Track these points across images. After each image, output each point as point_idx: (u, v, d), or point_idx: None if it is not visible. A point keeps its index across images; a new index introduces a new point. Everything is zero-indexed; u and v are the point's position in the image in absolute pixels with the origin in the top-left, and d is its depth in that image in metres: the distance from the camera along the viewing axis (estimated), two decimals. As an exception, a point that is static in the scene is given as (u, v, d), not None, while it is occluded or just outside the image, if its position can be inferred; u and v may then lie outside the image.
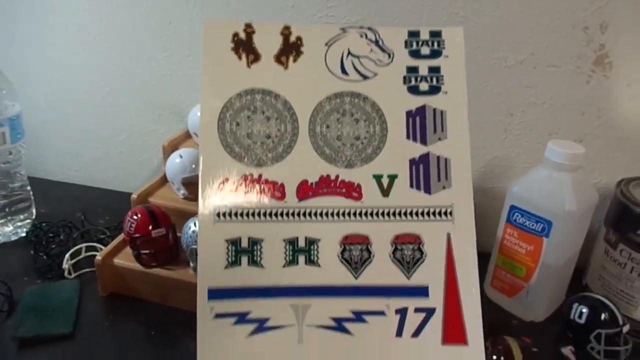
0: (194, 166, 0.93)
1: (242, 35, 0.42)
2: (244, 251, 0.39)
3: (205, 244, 0.39)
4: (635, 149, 0.93)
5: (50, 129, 1.22)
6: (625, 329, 0.78)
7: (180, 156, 0.93)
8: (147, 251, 0.84)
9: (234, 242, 0.40)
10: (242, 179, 0.41)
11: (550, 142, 0.79)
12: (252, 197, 0.41)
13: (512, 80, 0.94)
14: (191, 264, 0.83)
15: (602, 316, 0.79)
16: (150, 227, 0.83)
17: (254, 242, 0.40)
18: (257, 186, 0.40)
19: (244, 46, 0.42)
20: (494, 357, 0.70)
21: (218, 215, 0.40)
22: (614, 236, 0.84)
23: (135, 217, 0.84)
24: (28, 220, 1.02)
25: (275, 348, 0.38)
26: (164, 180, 0.99)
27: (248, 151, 0.40)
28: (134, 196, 0.92)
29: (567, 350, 0.79)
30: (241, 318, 0.39)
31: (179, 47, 1.07)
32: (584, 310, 0.80)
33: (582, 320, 0.80)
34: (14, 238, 1.00)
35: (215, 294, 0.40)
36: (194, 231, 0.82)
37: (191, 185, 0.94)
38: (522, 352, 0.70)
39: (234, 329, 0.38)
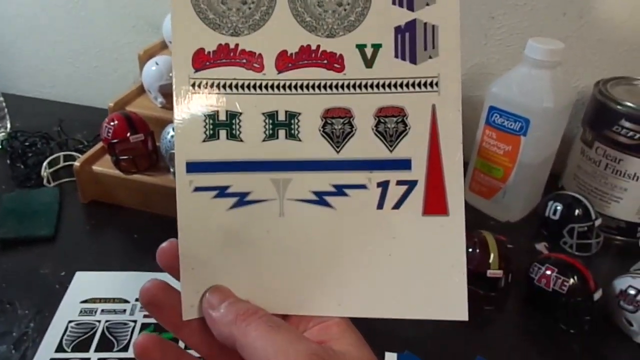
0: (170, 74, 0.90)
1: None
2: (221, 124, 0.38)
3: (180, 115, 0.38)
4: (614, 51, 0.93)
5: (21, 44, 1.18)
6: (597, 223, 0.81)
7: (157, 63, 0.91)
8: (125, 157, 0.83)
9: (211, 116, 0.39)
10: (217, 48, 0.39)
11: (530, 39, 0.78)
12: (229, 69, 0.39)
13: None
14: (171, 169, 0.82)
15: (576, 212, 0.81)
16: (128, 133, 0.82)
17: (232, 116, 0.38)
18: (234, 57, 0.39)
19: None
20: (470, 249, 0.73)
21: (193, 85, 0.39)
22: (590, 135, 0.85)
23: (112, 123, 0.83)
24: (3, 131, 1.00)
25: (256, 221, 0.38)
26: (141, 90, 0.97)
27: (223, 18, 0.38)
28: (110, 104, 0.90)
29: (540, 246, 0.81)
30: (221, 192, 0.39)
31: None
32: (559, 207, 0.82)
33: (557, 217, 0.82)
34: (-8, 149, 0.99)
35: (194, 166, 0.39)
36: (172, 136, 0.81)
37: (169, 94, 0.92)
38: (497, 245, 0.72)
39: (214, 202, 0.38)
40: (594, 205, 0.81)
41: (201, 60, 0.39)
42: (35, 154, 0.93)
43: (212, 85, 0.39)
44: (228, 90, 0.39)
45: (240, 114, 0.38)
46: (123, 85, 1.16)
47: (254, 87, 0.39)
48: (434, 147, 0.39)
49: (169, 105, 0.92)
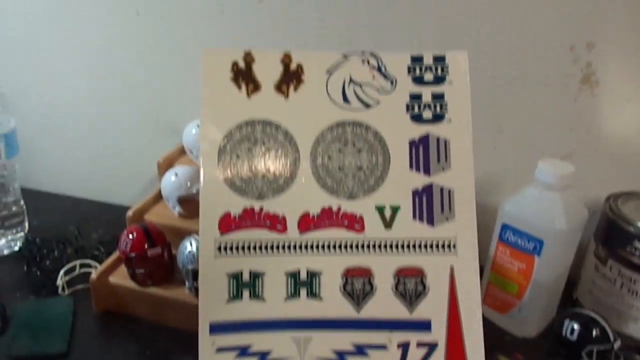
0: (189, 184, 0.93)
1: (242, 64, 0.42)
2: (245, 285, 0.40)
3: (206, 278, 0.39)
4: (623, 164, 0.94)
5: (44, 140, 1.22)
6: (617, 345, 0.79)
7: (176, 174, 0.93)
8: (142, 270, 0.84)
9: (235, 276, 0.40)
10: (243, 212, 0.41)
11: (540, 161, 0.80)
12: (254, 231, 0.41)
13: (501, 97, 0.95)
14: (187, 284, 0.83)
15: (594, 332, 0.80)
16: (145, 246, 0.83)
17: (256, 276, 0.40)
18: (259, 219, 0.41)
19: (244, 76, 0.42)
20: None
21: (219, 249, 0.41)
22: (604, 252, 0.85)
23: (130, 235, 0.84)
24: (21, 234, 1.02)
25: None
26: (158, 197, 0.99)
27: (249, 184, 0.40)
28: (129, 214, 0.92)
29: (558, 366, 0.80)
30: (243, 352, 0.39)
31: (174, 62, 1.07)
32: (576, 326, 0.81)
33: (574, 337, 0.81)
34: (7, 252, 1.00)
35: (217, 328, 0.40)
36: (190, 251, 0.82)
37: (186, 203, 0.94)
38: (515, 369, 0.71)
39: None
40: (611, 324, 0.80)
41: (227, 224, 0.41)
42: (52, 262, 0.94)
43: (237, 248, 0.40)
44: (252, 251, 0.40)
45: (264, 274, 0.39)
46: (140, 184, 1.19)
47: (277, 247, 0.40)
48: (453, 308, 0.39)
49: (186, 214, 0.94)
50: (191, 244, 0.82)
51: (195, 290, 0.82)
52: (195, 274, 0.81)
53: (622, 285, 0.83)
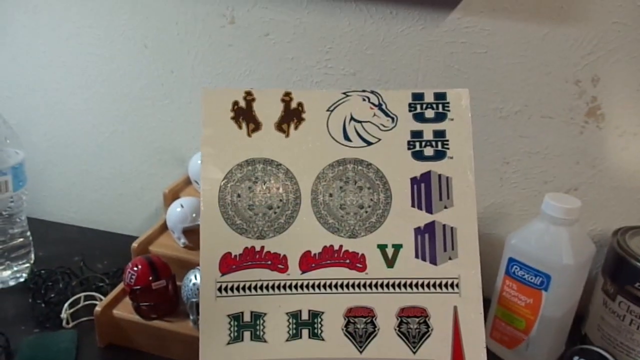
0: (194, 215, 0.93)
1: (242, 103, 0.43)
2: (246, 326, 0.39)
3: (206, 320, 0.39)
4: (630, 198, 0.94)
5: (49, 170, 1.23)
6: (626, 382, 0.78)
7: (182, 206, 0.94)
8: (146, 303, 0.83)
9: (236, 317, 0.40)
10: (243, 251, 0.41)
11: (547, 195, 0.80)
12: (254, 270, 0.41)
13: (507, 130, 0.96)
14: (191, 317, 0.82)
15: (603, 369, 0.79)
16: (150, 279, 0.83)
17: (257, 317, 0.40)
18: (259, 258, 0.41)
19: (244, 115, 0.42)
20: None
21: (220, 289, 0.41)
22: (612, 287, 0.84)
23: (135, 268, 0.84)
24: (27, 265, 1.02)
25: None
26: (164, 228, 0.99)
27: (249, 223, 0.40)
28: (134, 245, 0.92)
29: (568, 404, 0.79)
30: None
31: (180, 94, 1.09)
32: (584, 363, 0.80)
33: (583, 374, 0.80)
34: (12, 283, 1.00)
35: None
36: (194, 284, 0.82)
37: (192, 234, 0.94)
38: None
39: None
40: (621, 361, 0.79)
41: (227, 264, 0.40)
42: (57, 294, 0.94)
43: (237, 288, 0.40)
44: (253, 291, 0.40)
45: (265, 314, 0.39)
46: (146, 213, 1.20)
47: (279, 287, 0.40)
48: (457, 349, 0.39)
49: (191, 246, 0.94)
50: (195, 277, 0.82)
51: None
52: (199, 307, 0.81)
53: (631, 322, 0.82)
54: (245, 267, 0.42)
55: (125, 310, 0.85)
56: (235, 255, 0.42)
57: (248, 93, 0.45)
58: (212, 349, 0.41)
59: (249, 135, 0.44)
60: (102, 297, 0.91)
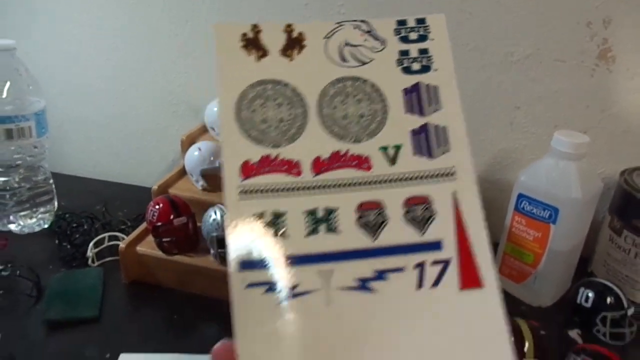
0: (212, 158, 0.96)
1: (250, 34, 0.48)
2: (268, 224, 0.43)
3: (233, 218, 0.43)
4: (638, 141, 0.96)
5: (69, 125, 1.26)
6: (630, 312, 0.81)
7: (199, 149, 0.96)
8: (168, 239, 0.87)
9: (259, 216, 0.44)
10: (260, 159, 0.45)
11: (557, 132, 0.82)
12: (272, 175, 0.45)
13: (518, 74, 0.97)
14: (212, 251, 0.86)
15: (608, 300, 0.82)
16: (172, 216, 0.87)
17: (277, 216, 0.44)
18: (275, 165, 0.45)
19: (253, 44, 0.47)
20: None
21: (242, 192, 0.45)
22: (618, 223, 0.87)
23: (157, 206, 0.88)
24: (51, 212, 1.06)
25: (306, 312, 0.41)
26: (182, 173, 1.02)
27: (264, 134, 0.45)
28: (154, 187, 0.96)
29: (574, 333, 0.82)
30: (271, 286, 0.43)
31: (195, 46, 1.11)
32: (590, 294, 0.83)
33: (589, 304, 0.83)
34: (37, 229, 1.04)
35: (246, 264, 0.44)
36: (214, 219, 0.85)
37: (210, 177, 0.97)
38: (532, 333, 0.73)
39: (265, 297, 0.42)
40: (625, 293, 0.82)
41: (247, 171, 0.45)
42: (82, 235, 0.98)
43: (258, 191, 0.44)
44: (272, 194, 0.44)
45: (285, 213, 0.43)
46: (163, 165, 1.23)
47: (295, 189, 0.44)
48: (460, 228, 0.43)
49: (209, 188, 0.97)
50: (215, 213, 0.86)
51: (220, 258, 0.85)
52: (220, 242, 0.84)
53: (636, 255, 0.84)
54: (263, 173, 0.46)
55: (148, 247, 0.89)
56: (254, 163, 0.46)
57: (255, 26, 0.50)
58: (240, 245, 0.44)
59: (257, 60, 0.49)
60: (125, 237, 0.94)
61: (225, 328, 0.72)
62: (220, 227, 0.84)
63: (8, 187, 1.00)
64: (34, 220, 1.04)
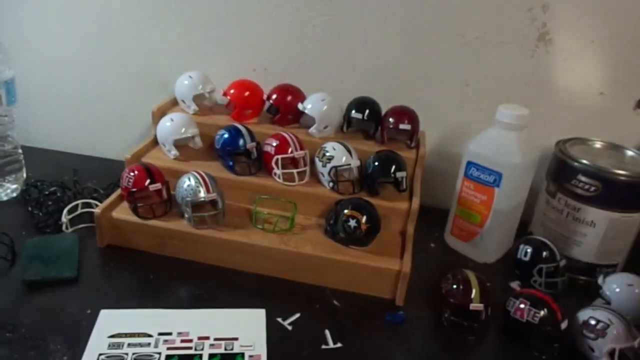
0: (184, 129, 1.01)
1: None
2: None
3: None
4: (570, 115, 1.07)
5: (36, 97, 1.25)
6: (562, 263, 0.92)
7: (172, 119, 1.01)
8: (143, 204, 0.91)
9: None
10: None
11: (500, 106, 0.92)
12: None
13: (468, 55, 1.06)
14: (186, 215, 0.91)
15: (544, 254, 0.93)
16: (147, 182, 0.91)
17: None
18: None
19: None
20: (454, 285, 0.83)
21: None
22: (553, 187, 0.98)
23: (132, 173, 0.92)
24: (20, 181, 1.07)
25: None
26: (154, 144, 1.06)
27: None
28: (127, 157, 0.99)
29: (514, 284, 0.92)
30: None
31: (163, 18, 1.14)
32: (529, 249, 0.93)
33: (527, 258, 0.93)
34: (5, 198, 1.05)
35: None
36: (189, 185, 0.90)
37: (181, 147, 1.02)
38: (479, 282, 0.83)
39: None
40: (559, 249, 0.93)
41: None
42: (54, 203, 1.00)
43: None
44: None
45: None
46: (132, 138, 1.25)
47: None
48: None
49: (181, 158, 1.02)
50: (189, 179, 0.90)
51: (194, 221, 0.90)
52: (194, 206, 0.90)
53: (567, 214, 0.95)
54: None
55: (123, 213, 0.93)
56: None
57: None
58: None
59: None
60: (98, 203, 0.97)
61: (198, 287, 0.82)
62: (194, 192, 0.89)
63: (-24, 156, 1.01)
64: (2, 189, 1.05)
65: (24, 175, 1.10)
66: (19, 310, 0.79)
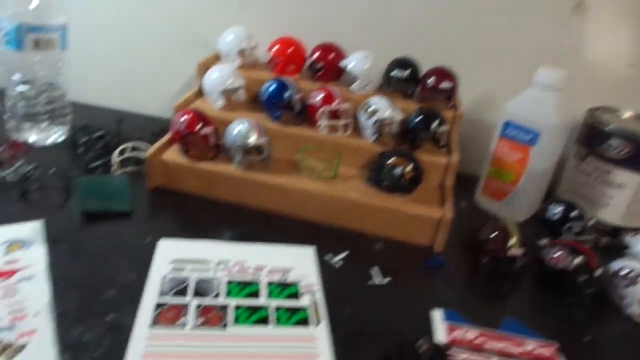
0: (231, 80, 1.04)
1: None
2: None
3: None
4: (599, 84, 1.11)
5: (83, 55, 1.26)
6: (590, 222, 0.97)
7: (220, 70, 1.04)
8: (195, 148, 0.95)
9: None
10: None
11: (540, 68, 0.96)
12: None
13: (504, 21, 1.10)
14: (236, 159, 0.95)
15: (573, 213, 0.97)
16: (198, 126, 0.94)
17: None
18: None
19: None
20: (493, 233, 0.87)
21: None
22: (584, 151, 1.02)
23: (184, 117, 0.95)
24: (67, 126, 1.10)
25: None
26: (198, 95, 1.10)
27: None
28: (176, 104, 1.02)
29: (543, 242, 0.96)
30: None
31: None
32: (559, 208, 0.98)
33: (556, 217, 0.98)
34: (53, 142, 1.08)
35: None
36: (239, 130, 0.93)
37: (229, 97, 1.05)
38: (517, 230, 0.87)
39: None
40: (587, 210, 0.97)
41: None
42: (103, 146, 1.03)
43: None
44: None
45: None
46: (171, 93, 1.28)
47: None
48: None
49: (228, 107, 1.05)
50: (240, 125, 0.94)
51: (244, 164, 0.94)
52: (245, 150, 0.93)
53: (596, 178, 1.00)
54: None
55: (174, 156, 0.96)
56: None
57: None
58: None
59: None
60: (148, 145, 1.00)
61: (246, 229, 0.86)
62: (244, 137, 0.93)
63: (28, 98, 1.03)
64: (51, 132, 1.08)
65: (71, 120, 1.12)
66: (82, 236, 0.83)
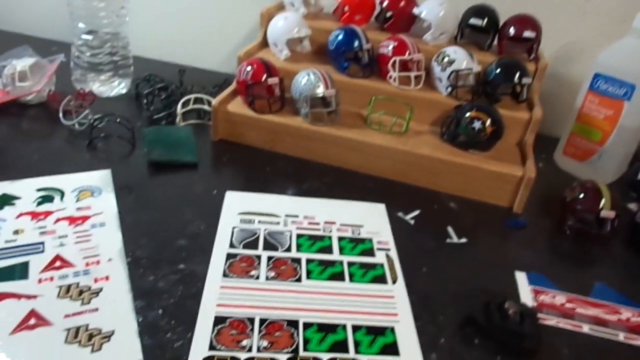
0: (297, 29, 0.99)
1: None
2: None
3: None
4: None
5: (143, 9, 1.25)
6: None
7: (285, 18, 0.99)
8: (260, 98, 0.91)
9: None
10: None
11: (639, 13, 0.86)
12: None
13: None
14: (302, 111, 0.91)
15: (665, 177, 0.89)
16: (264, 76, 0.90)
17: None
18: None
19: None
20: (582, 194, 0.80)
21: None
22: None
23: (250, 66, 0.91)
24: (129, 78, 1.09)
25: None
26: (262, 46, 1.05)
27: None
28: (240, 54, 0.99)
29: (633, 206, 0.89)
30: None
31: None
32: (650, 171, 0.90)
33: (647, 180, 0.90)
34: (116, 94, 1.07)
35: None
36: (308, 80, 0.89)
37: (294, 47, 1.00)
38: (609, 191, 0.80)
39: None
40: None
41: None
42: (167, 97, 1.01)
43: None
44: None
45: None
46: (231, 48, 1.24)
47: None
48: None
49: (292, 59, 1.01)
50: (308, 75, 0.89)
51: (312, 117, 0.90)
52: (312, 101, 0.89)
53: (696, 137, 0.90)
54: None
55: (239, 107, 0.93)
56: None
57: None
58: None
59: None
60: (210, 99, 0.97)
61: (314, 184, 0.80)
62: (313, 87, 0.88)
63: (92, 46, 1.02)
64: (114, 84, 1.07)
65: (133, 72, 1.11)
66: (149, 185, 0.82)
